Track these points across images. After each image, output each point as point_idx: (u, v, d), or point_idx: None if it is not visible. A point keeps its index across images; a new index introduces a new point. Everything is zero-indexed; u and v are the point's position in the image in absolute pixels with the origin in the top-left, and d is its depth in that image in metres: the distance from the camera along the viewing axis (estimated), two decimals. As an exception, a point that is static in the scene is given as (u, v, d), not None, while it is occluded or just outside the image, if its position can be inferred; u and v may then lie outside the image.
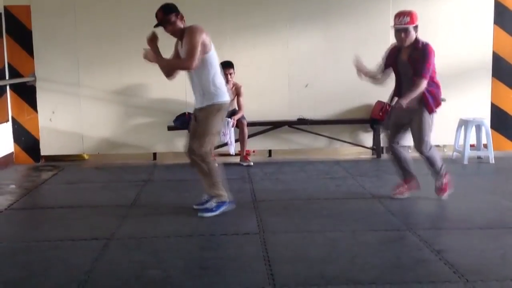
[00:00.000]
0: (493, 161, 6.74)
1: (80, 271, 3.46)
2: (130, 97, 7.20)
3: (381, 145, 7.31)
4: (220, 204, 4.65)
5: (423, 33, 7.18)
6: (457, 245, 3.85)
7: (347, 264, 3.55)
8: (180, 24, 4.48)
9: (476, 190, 5.45)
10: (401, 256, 3.69)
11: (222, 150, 7.10)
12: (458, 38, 7.25)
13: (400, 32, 4.70)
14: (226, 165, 6.58)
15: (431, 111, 4.75)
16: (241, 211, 4.78)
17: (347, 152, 7.66)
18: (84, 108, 7.20)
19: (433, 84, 4.75)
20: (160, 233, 4.29)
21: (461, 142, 6.92)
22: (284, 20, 7.19)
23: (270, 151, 7.59)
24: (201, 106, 4.58)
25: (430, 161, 4.95)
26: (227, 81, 6.76)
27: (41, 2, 7.04)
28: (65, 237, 4.15)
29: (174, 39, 4.63)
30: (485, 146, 6.91)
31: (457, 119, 7.01)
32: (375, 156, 7.28)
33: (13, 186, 6.00)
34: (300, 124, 7.23)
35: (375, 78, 4.97)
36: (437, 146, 7.86)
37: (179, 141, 6.85)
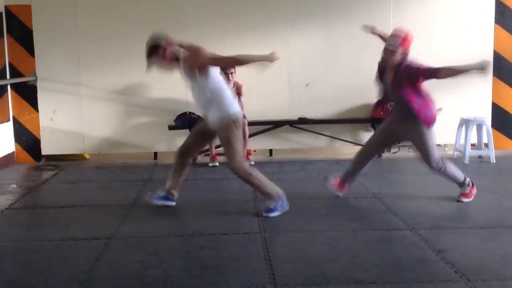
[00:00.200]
0: (494, 161, 6.73)
1: (81, 271, 3.47)
2: (131, 96, 7.20)
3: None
4: (278, 202, 4.60)
5: (424, 32, 7.24)
6: (458, 245, 3.84)
7: (347, 264, 3.55)
8: (170, 53, 4.40)
9: (477, 190, 5.44)
10: (401, 255, 3.69)
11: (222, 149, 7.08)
12: (459, 37, 7.25)
13: (387, 51, 4.65)
14: (227, 164, 6.58)
15: (428, 124, 4.62)
16: (242, 210, 4.78)
17: (348, 151, 7.64)
18: (85, 108, 7.20)
19: (423, 97, 4.63)
20: (161, 233, 4.30)
21: (462, 141, 6.92)
22: (285, 19, 7.18)
23: (271, 151, 7.59)
24: (214, 122, 4.54)
25: (448, 177, 4.88)
26: (228, 80, 6.77)
27: (41, 2, 7.05)
28: (66, 237, 4.16)
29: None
30: (486, 145, 6.90)
31: (458, 118, 7.00)
32: (376, 156, 7.26)
33: (14, 185, 6.01)
34: (301, 124, 7.23)
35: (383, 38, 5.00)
36: (438, 145, 7.87)
37: (180, 141, 6.77)
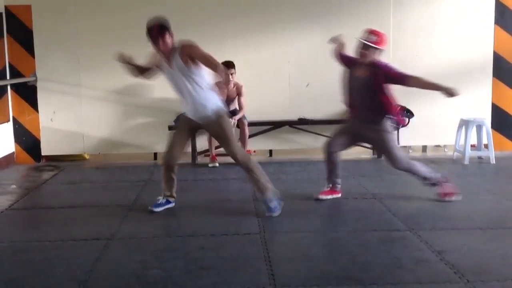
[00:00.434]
0: (494, 161, 6.73)
1: (81, 271, 3.47)
2: (131, 97, 7.20)
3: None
4: (275, 200, 4.64)
5: (424, 33, 7.25)
6: (457, 246, 3.84)
7: (347, 264, 3.55)
8: (170, 42, 4.46)
9: (476, 190, 5.45)
10: (401, 256, 3.69)
11: (223, 150, 7.08)
12: (458, 38, 7.25)
13: (363, 47, 4.67)
14: (227, 165, 6.59)
15: (400, 123, 4.76)
16: (242, 211, 4.78)
17: (347, 152, 7.63)
18: (85, 108, 7.20)
19: (387, 101, 4.72)
20: (161, 233, 4.30)
21: (461, 142, 6.92)
22: (285, 21, 7.19)
23: (271, 151, 7.59)
24: (205, 116, 4.56)
25: (412, 173, 4.93)
26: (228, 81, 6.76)
27: (42, 2, 7.05)
28: (66, 237, 4.16)
29: None
30: (486, 146, 6.91)
31: (457, 119, 7.01)
32: (376, 156, 7.27)
33: (14, 186, 6.01)
34: (301, 124, 7.23)
35: (337, 48, 5.07)
36: (438, 146, 7.89)
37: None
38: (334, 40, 5.07)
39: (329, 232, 4.22)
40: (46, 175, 6.53)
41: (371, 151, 7.43)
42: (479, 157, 6.98)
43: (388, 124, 4.77)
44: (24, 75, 7.08)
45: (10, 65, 7.04)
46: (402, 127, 7.11)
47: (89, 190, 5.84)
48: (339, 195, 5.14)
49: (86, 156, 7.53)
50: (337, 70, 7.18)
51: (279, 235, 4.19)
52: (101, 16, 7.07)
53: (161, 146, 7.32)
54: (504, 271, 3.39)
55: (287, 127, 7.28)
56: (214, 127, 4.63)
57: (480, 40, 7.25)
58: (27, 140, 7.23)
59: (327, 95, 7.23)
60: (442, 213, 4.66)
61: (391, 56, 7.03)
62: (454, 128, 7.02)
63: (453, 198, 4.94)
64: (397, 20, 7.14)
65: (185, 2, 7.12)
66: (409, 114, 7.03)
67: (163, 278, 3.36)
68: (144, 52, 4.64)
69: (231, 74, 6.70)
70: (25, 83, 7.08)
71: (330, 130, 7.30)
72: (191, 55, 4.39)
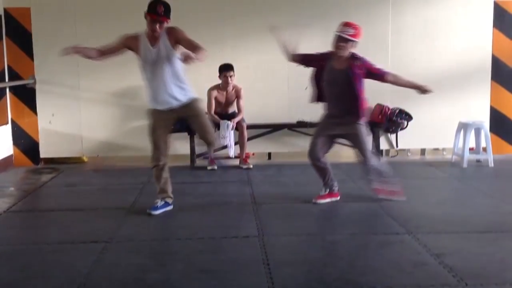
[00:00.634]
0: (492, 165, 6.74)
1: (79, 274, 3.46)
2: (130, 99, 7.20)
3: (381, 148, 7.34)
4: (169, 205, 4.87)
5: (422, 36, 7.26)
6: (456, 249, 3.84)
7: (346, 267, 3.55)
8: (164, 27, 4.54)
9: (475, 194, 5.46)
10: (400, 259, 3.68)
11: (222, 153, 7.10)
12: (457, 41, 7.27)
13: (341, 40, 4.68)
14: (226, 168, 6.58)
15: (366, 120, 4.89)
16: (241, 214, 4.78)
17: (346, 154, 7.64)
18: (84, 111, 7.20)
19: (362, 95, 4.81)
20: (159, 236, 4.30)
21: (460, 145, 6.92)
22: (283, 23, 7.17)
23: (269, 154, 7.59)
24: (183, 101, 4.64)
25: (377, 171, 5.00)
26: (227, 84, 6.78)
27: (41, 5, 7.06)
28: (64, 240, 4.15)
29: None
30: (484, 149, 6.91)
31: (456, 122, 7.01)
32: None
33: (12, 188, 6.00)
34: (300, 127, 7.23)
35: (286, 50, 5.10)
36: (436, 149, 7.89)
37: (178, 144, 6.85)
38: (272, 29, 5.04)
39: (328, 235, 4.21)
40: (44, 177, 6.53)
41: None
42: (478, 160, 6.98)
43: (363, 117, 4.84)
44: (23, 77, 7.08)
45: (9, 68, 7.04)
46: (400, 130, 7.12)
47: (87, 192, 5.84)
48: (338, 197, 5.13)
49: (85, 159, 7.52)
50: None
51: (278, 238, 4.18)
52: (100, 19, 7.07)
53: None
54: (503, 275, 3.39)
55: (286, 129, 7.28)
56: (193, 109, 4.70)
57: (479, 44, 7.26)
58: (25, 142, 7.22)
59: (326, 98, 7.24)
60: (440, 216, 4.66)
61: (389, 60, 7.06)
62: (453, 131, 7.03)
63: (398, 198, 5.02)
64: (395, 24, 7.16)
65: (184, 5, 7.12)
66: (408, 117, 7.04)
67: (162, 281, 3.36)
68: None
69: (230, 77, 6.71)
70: (24, 85, 7.08)
71: (329, 133, 7.36)
72: (178, 39, 4.47)
